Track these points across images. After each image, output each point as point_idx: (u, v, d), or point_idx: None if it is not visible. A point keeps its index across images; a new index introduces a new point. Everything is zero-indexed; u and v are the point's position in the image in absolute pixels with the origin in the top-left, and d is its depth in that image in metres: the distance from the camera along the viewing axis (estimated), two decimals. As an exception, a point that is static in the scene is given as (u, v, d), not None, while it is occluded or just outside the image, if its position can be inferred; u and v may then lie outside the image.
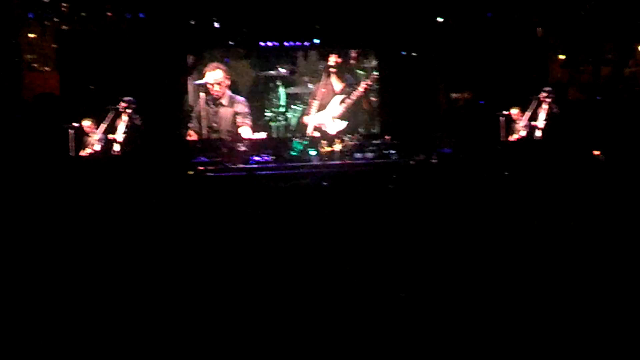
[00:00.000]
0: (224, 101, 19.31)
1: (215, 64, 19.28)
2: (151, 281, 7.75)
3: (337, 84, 19.67)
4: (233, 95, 19.35)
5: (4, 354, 5.39)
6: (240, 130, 19.08)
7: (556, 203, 11.53)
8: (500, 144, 17.58)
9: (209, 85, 19.19)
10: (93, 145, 16.86)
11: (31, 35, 19.49)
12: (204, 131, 19.19)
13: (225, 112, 19.33)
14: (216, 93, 19.18)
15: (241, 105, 19.40)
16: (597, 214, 10.62)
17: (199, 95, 19.17)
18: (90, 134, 16.89)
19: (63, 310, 6.75)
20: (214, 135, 19.13)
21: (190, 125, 19.28)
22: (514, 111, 17.76)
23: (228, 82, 19.39)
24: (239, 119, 19.31)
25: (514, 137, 17.71)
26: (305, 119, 19.66)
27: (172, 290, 7.39)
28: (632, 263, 7.38)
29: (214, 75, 19.20)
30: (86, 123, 16.83)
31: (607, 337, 5.75)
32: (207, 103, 19.24)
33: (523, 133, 17.62)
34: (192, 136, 19.36)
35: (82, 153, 16.80)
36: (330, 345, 5.86)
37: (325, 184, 15.40)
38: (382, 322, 6.43)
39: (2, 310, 6.64)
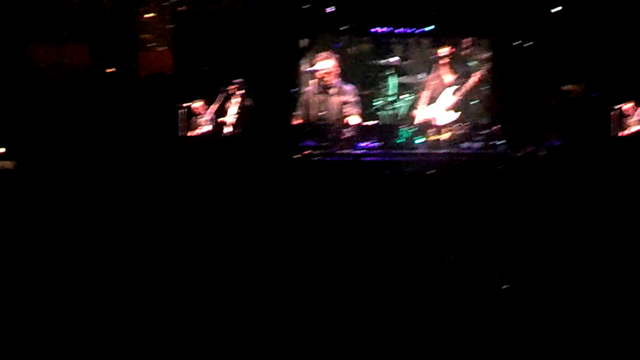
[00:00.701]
0: (333, 89, 19.29)
1: (326, 53, 19.37)
2: (262, 256, 7.88)
3: (448, 76, 19.53)
4: (341, 83, 19.30)
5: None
6: (347, 119, 19.05)
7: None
8: (611, 138, 17.26)
9: (319, 73, 19.17)
10: (202, 126, 17.10)
11: (148, 15, 19.87)
12: (311, 118, 19.19)
13: (333, 100, 19.36)
14: (326, 81, 19.14)
15: (351, 93, 19.36)
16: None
17: (308, 82, 19.20)
18: (200, 115, 17.13)
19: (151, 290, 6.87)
20: (322, 122, 19.12)
21: (297, 111, 19.28)
22: (627, 105, 17.39)
23: (338, 71, 19.29)
24: (347, 108, 19.29)
25: (625, 132, 17.35)
26: (415, 112, 19.47)
27: (281, 267, 7.51)
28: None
29: (325, 64, 19.24)
30: (197, 104, 17.10)
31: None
32: (316, 90, 19.21)
33: (635, 128, 17.26)
34: (299, 121, 19.36)
35: (191, 134, 17.04)
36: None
37: (430, 172, 15.35)
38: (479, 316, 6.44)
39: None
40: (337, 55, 19.69)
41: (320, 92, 19.59)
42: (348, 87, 19.66)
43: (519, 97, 19.48)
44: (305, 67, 19.69)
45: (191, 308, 6.29)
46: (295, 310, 6.41)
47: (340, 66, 19.65)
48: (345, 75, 19.76)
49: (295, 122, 19.73)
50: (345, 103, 19.61)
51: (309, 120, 19.68)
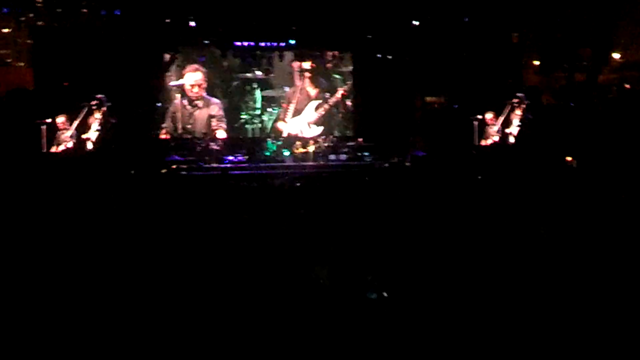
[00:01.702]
0: (200, 103, 19.30)
1: (195, 66, 19.61)
2: (122, 282, 7.74)
3: (312, 89, 19.77)
4: (208, 97, 19.50)
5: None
6: (215, 132, 19.03)
7: (527, 208, 11.62)
8: (474, 148, 17.67)
9: (186, 87, 19.12)
10: (66, 142, 16.76)
11: (5, 30, 19.43)
12: (179, 132, 19.13)
13: (200, 113, 19.44)
14: (193, 95, 19.12)
15: (216, 107, 19.58)
16: (568, 219, 10.71)
17: (173, 95, 19.14)
18: (62, 131, 16.80)
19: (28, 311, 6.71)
20: (188, 136, 19.06)
21: (163, 125, 19.16)
22: (488, 116, 17.99)
23: (205, 84, 19.28)
24: (213, 122, 19.37)
25: (487, 142, 17.80)
26: (281, 125, 19.62)
27: (143, 291, 7.40)
28: (602, 266, 7.47)
29: (194, 77, 19.43)
30: (59, 119, 16.76)
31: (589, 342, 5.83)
32: (182, 104, 19.15)
33: (496, 138, 17.74)
34: (165, 136, 19.23)
35: (54, 150, 16.69)
36: (304, 346, 5.89)
37: (298, 184, 15.42)
38: (353, 324, 6.47)
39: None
40: (203, 69, 19.61)
41: (186, 106, 19.50)
42: (214, 101, 19.66)
43: (383, 109, 19.76)
44: (169, 81, 19.56)
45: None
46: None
47: (206, 80, 19.60)
48: (211, 88, 19.72)
49: (161, 136, 19.56)
50: (212, 116, 19.59)
51: (175, 134, 19.56)
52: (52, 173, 15.81)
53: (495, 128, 18.16)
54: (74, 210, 12.57)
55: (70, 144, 17.18)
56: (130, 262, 8.45)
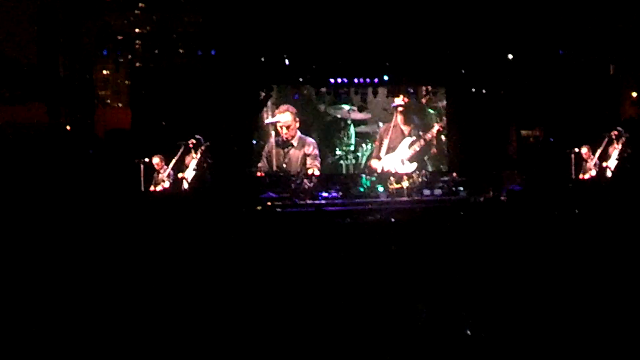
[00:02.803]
0: (294, 142, 19.56)
1: (285, 107, 19.92)
2: (226, 317, 7.89)
3: (405, 126, 19.83)
4: (303, 136, 19.88)
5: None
6: (309, 171, 19.17)
7: (626, 244, 11.44)
8: (571, 182, 17.47)
9: (278, 127, 19.35)
10: (163, 181, 17.08)
11: (105, 72, 19.99)
12: (274, 170, 19.34)
13: (295, 153, 19.68)
14: (285, 135, 19.35)
15: (311, 146, 19.76)
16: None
17: (269, 134, 19.37)
18: (160, 170, 17.09)
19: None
20: (282, 174, 19.24)
21: (259, 164, 19.39)
22: (584, 149, 17.66)
23: (297, 124, 19.48)
24: (308, 160, 19.49)
25: (584, 176, 17.59)
26: (375, 162, 19.70)
27: (243, 326, 7.52)
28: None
29: (283, 117, 19.58)
30: (156, 160, 17.03)
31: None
32: (277, 143, 19.37)
33: (594, 172, 17.51)
34: (260, 174, 19.44)
35: (152, 189, 17.00)
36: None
37: (392, 220, 15.43)
38: None
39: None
40: (296, 110, 19.80)
41: (281, 146, 19.70)
42: (309, 140, 19.84)
43: (478, 143, 19.70)
44: (264, 119, 19.81)
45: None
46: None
47: (299, 120, 19.78)
48: (306, 126, 19.90)
49: (256, 174, 19.77)
50: (307, 155, 19.76)
51: (270, 171, 19.74)
52: (150, 212, 16.10)
53: (593, 162, 17.94)
54: (172, 250, 12.81)
55: (167, 184, 17.47)
56: (227, 296, 8.60)
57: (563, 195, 17.41)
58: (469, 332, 7.21)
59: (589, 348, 6.54)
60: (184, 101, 19.25)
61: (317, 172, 19.89)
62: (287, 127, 19.92)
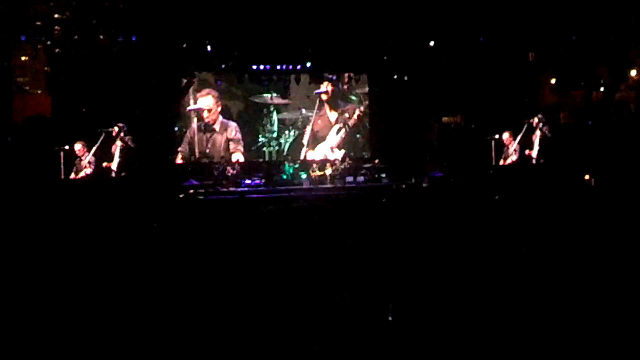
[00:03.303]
0: (217, 127, 19.40)
1: (207, 90, 19.58)
2: (141, 302, 7.81)
3: (332, 114, 19.82)
4: (225, 120, 19.63)
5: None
6: (232, 156, 19.08)
7: (546, 227, 11.61)
8: (491, 168, 17.66)
9: (201, 111, 19.19)
10: (84, 168, 16.85)
11: (24, 58, 19.60)
12: (196, 156, 19.17)
13: (217, 137, 19.52)
14: (208, 119, 19.20)
15: (234, 130, 19.57)
16: (587, 236, 10.71)
17: (191, 120, 19.20)
18: (81, 157, 16.87)
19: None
20: (205, 160, 19.10)
21: (180, 149, 19.22)
22: (505, 135, 17.87)
23: (219, 108, 19.36)
24: (231, 145, 19.38)
25: (505, 161, 17.80)
26: (304, 152, 19.68)
27: (162, 311, 7.46)
28: (620, 284, 7.49)
29: (205, 101, 19.37)
30: (77, 146, 16.81)
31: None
32: (199, 128, 19.24)
33: (514, 157, 17.72)
34: (181, 160, 19.27)
35: (73, 176, 16.78)
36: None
37: (315, 206, 15.44)
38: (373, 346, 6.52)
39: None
40: (218, 94, 19.69)
41: (203, 131, 19.57)
42: (231, 124, 19.76)
43: (400, 130, 19.79)
44: (187, 106, 19.65)
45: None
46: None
47: (221, 104, 19.68)
48: (229, 112, 19.80)
49: (178, 161, 19.62)
50: (229, 140, 19.64)
51: (193, 159, 19.60)
52: (71, 200, 15.90)
53: (513, 148, 18.15)
54: (93, 238, 12.65)
55: (88, 171, 17.26)
56: (146, 284, 8.52)
57: (484, 181, 17.60)
58: (390, 318, 7.25)
59: (506, 330, 6.61)
60: (105, 88, 19.02)
61: (240, 157, 19.82)
62: (209, 111, 19.82)
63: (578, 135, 18.95)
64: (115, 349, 6.30)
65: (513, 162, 18.24)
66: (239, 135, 19.96)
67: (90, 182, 17.31)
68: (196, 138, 19.84)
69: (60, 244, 11.56)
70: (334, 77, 20.50)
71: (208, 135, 19.85)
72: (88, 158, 17.29)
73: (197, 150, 19.85)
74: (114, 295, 8.17)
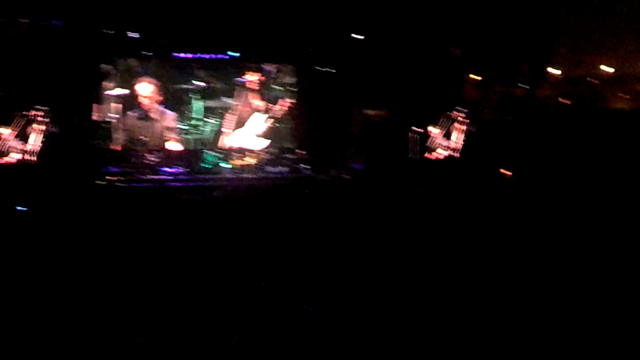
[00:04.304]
0: (153, 114, 19.01)
1: (145, 78, 19.03)
2: (59, 292, 7.67)
3: (256, 101, 19.62)
4: (162, 109, 19.18)
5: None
6: (167, 144, 18.84)
7: (465, 221, 11.71)
8: (413, 161, 17.78)
9: (140, 99, 18.91)
10: (2, 152, 16.58)
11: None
12: (115, 144, 18.88)
13: (153, 125, 19.08)
14: (145, 106, 18.88)
15: (170, 119, 19.17)
16: (506, 231, 10.82)
17: (110, 107, 18.94)
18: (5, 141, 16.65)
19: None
20: (138, 148, 18.83)
21: (115, 136, 18.90)
22: (428, 129, 18.03)
23: (157, 97, 19.08)
24: (166, 133, 19.05)
25: (427, 155, 17.94)
26: (222, 137, 19.45)
27: (76, 302, 7.32)
28: (540, 279, 7.52)
29: (142, 88, 18.97)
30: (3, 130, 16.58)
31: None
32: (134, 116, 19.00)
33: (436, 152, 17.86)
34: (118, 147, 18.98)
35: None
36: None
37: (236, 196, 15.40)
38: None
39: None
40: (155, 81, 19.39)
41: (138, 118, 19.27)
42: (170, 113, 19.61)
43: (323, 121, 19.75)
44: (108, 92, 19.35)
45: None
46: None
47: (160, 91, 19.39)
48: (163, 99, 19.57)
49: (97, 148, 19.31)
50: (167, 129, 19.38)
51: (114, 145, 19.29)
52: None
53: (435, 141, 18.25)
54: (9, 221, 12.41)
55: (6, 155, 16.97)
56: (62, 274, 8.35)
57: (405, 174, 17.67)
58: (309, 308, 7.19)
59: (428, 318, 6.59)
60: (25, 72, 18.68)
61: (177, 146, 19.57)
62: (146, 99, 19.51)
63: (498, 130, 19.14)
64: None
65: (435, 155, 18.36)
66: (175, 124, 19.69)
67: (8, 167, 17.07)
68: (129, 125, 19.48)
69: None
70: (259, 67, 20.37)
71: (143, 122, 19.51)
72: (7, 143, 17.02)
73: (129, 138, 19.49)
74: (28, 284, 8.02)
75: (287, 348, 6.38)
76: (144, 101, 19.57)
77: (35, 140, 17.26)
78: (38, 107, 17.29)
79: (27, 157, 17.24)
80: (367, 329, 6.70)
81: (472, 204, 13.97)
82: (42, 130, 17.31)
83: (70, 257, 9.41)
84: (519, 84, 21.21)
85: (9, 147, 17.11)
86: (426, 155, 18.41)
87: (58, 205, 14.10)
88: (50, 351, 6.19)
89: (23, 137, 17.32)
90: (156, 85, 19.74)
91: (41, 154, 17.42)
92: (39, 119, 17.22)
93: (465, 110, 18.51)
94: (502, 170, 16.83)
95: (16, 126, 17.21)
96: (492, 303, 6.94)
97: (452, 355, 5.61)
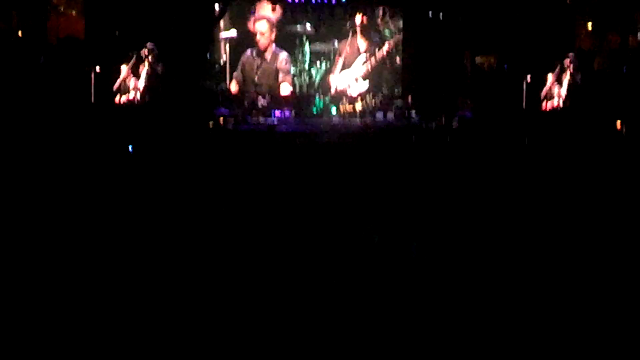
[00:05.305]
0: (268, 55, 19.16)
1: (262, 15, 19.09)
2: (163, 234, 7.78)
3: (362, 43, 19.60)
4: (277, 49, 19.24)
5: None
6: (281, 86, 18.94)
7: (574, 175, 11.46)
8: (523, 110, 17.50)
9: (253, 36, 19.01)
10: (116, 90, 16.93)
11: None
12: (247, 85, 19.02)
13: (267, 66, 19.16)
14: (261, 45, 18.96)
15: (284, 60, 19.28)
16: (614, 188, 10.55)
17: (221, 49, 19.05)
18: (113, 79, 16.94)
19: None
20: (253, 90, 18.95)
21: (235, 75, 19.04)
22: (539, 78, 17.66)
23: (273, 35, 19.16)
24: (280, 75, 19.17)
25: (539, 104, 17.64)
26: (329, 80, 19.46)
27: (188, 246, 7.43)
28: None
29: (260, 26, 19.02)
30: (109, 68, 16.84)
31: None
32: (251, 55, 19.06)
33: (548, 101, 17.57)
34: (236, 87, 19.13)
35: (104, 98, 16.86)
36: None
37: (344, 142, 15.41)
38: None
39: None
40: (274, 21, 19.52)
41: (255, 58, 19.40)
42: (283, 54, 19.77)
43: (432, 68, 19.55)
44: (218, 34, 19.47)
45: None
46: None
47: (273, 30, 19.49)
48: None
49: (210, 89, 19.51)
50: (279, 69, 19.47)
51: (244, 87, 19.46)
52: (100, 122, 15.92)
53: (546, 90, 17.98)
54: (118, 159, 12.62)
55: (124, 94, 17.32)
56: (170, 217, 8.47)
57: (514, 124, 17.43)
58: (414, 254, 7.21)
59: (526, 290, 6.50)
60: (139, 11, 18.88)
61: (289, 88, 19.65)
62: (263, 35, 19.61)
63: (611, 81, 18.70)
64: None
65: (546, 105, 18.09)
66: (289, 66, 19.77)
67: (120, 106, 17.39)
68: (247, 65, 19.63)
69: (86, 165, 11.59)
70: (369, 11, 20.22)
71: (258, 61, 19.66)
72: (119, 81, 17.35)
73: (248, 77, 19.64)
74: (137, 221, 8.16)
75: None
76: (260, 39, 19.91)
77: (145, 79, 17.53)
78: (148, 45, 17.55)
79: (141, 95, 17.55)
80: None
81: (582, 157, 13.69)
82: (152, 69, 17.58)
83: (181, 202, 9.52)
84: (635, 33, 20.67)
85: (125, 86, 17.45)
86: (538, 104, 18.15)
87: (168, 145, 14.29)
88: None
89: (137, 76, 17.62)
90: (271, 23, 20.08)
91: (151, 93, 17.69)
92: (149, 58, 17.48)
93: (575, 58, 18.18)
94: (616, 123, 16.47)
95: (132, 66, 17.51)
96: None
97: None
